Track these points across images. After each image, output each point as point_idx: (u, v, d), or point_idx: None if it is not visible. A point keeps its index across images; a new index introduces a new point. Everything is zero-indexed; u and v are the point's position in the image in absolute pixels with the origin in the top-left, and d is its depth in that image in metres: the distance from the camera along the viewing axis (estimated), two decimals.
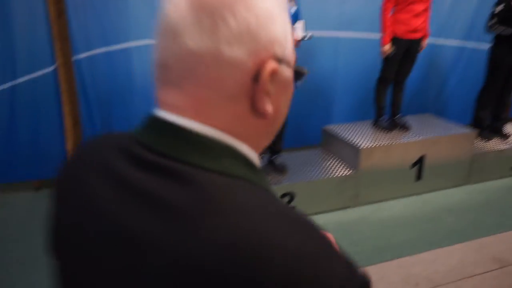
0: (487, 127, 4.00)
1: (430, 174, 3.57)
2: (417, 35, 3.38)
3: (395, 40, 3.38)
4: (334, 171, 3.34)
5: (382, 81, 3.61)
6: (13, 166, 3.36)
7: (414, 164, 3.54)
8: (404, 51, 3.45)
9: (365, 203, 3.41)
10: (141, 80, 3.49)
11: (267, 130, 0.52)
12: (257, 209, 0.42)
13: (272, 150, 3.30)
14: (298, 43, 2.78)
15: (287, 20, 0.49)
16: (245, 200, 0.43)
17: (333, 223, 3.13)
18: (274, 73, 0.47)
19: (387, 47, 3.36)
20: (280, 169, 3.24)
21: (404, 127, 3.70)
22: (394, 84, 3.67)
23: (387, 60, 3.48)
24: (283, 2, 0.49)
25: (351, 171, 3.36)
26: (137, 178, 0.45)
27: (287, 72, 0.50)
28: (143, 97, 3.51)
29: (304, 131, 4.06)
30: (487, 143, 3.90)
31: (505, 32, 3.60)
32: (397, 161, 3.48)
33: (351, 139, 3.49)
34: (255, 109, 0.48)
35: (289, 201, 3.14)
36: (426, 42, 3.53)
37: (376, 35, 3.83)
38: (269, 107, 0.48)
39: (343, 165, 3.46)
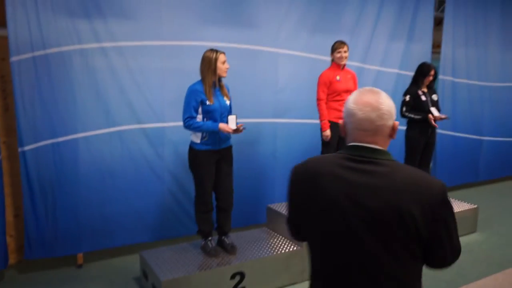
0: None
1: None
2: None
3: (330, 125, 3.82)
4: (280, 248, 3.48)
5: None
6: None
7: None
8: (339, 134, 3.86)
9: None
10: (86, 169, 3.54)
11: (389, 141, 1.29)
12: (405, 167, 1.20)
13: (221, 231, 3.40)
14: (234, 132, 3.06)
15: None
16: (401, 166, 1.20)
17: None
18: (396, 125, 1.24)
19: (328, 132, 3.78)
20: (230, 249, 3.32)
21: None
22: None
23: (327, 143, 3.85)
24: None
25: (296, 247, 3.51)
26: (352, 170, 1.20)
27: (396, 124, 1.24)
28: (88, 187, 3.55)
29: (249, 210, 4.22)
30: None
31: (416, 117, 4.20)
32: None
33: None
34: (391, 136, 1.25)
35: (240, 281, 3.18)
36: None
37: (310, 121, 4.26)
38: (395, 135, 1.25)
39: (288, 242, 3.61)
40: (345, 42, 3.83)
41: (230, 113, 3.26)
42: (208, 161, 3.13)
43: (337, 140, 3.87)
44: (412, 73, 4.42)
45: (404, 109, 4.25)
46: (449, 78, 5.68)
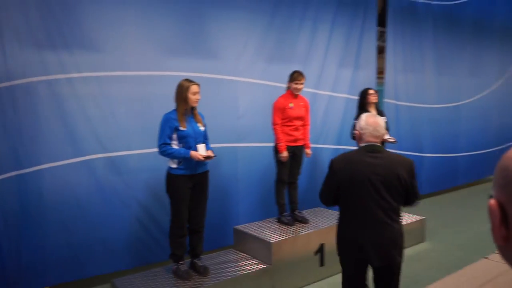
0: None
1: (331, 259, 4.02)
2: (298, 143, 4.11)
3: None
4: (250, 267, 3.60)
5: (279, 182, 4.14)
6: None
7: (316, 252, 3.98)
8: (292, 156, 4.10)
9: None
10: (52, 200, 3.49)
11: None
12: (392, 154, 2.40)
13: (194, 253, 3.47)
14: (205, 159, 3.20)
15: None
16: (390, 152, 2.41)
17: None
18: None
19: (285, 154, 3.97)
20: (202, 271, 3.40)
21: (304, 220, 4.20)
22: (289, 184, 4.22)
23: (281, 163, 4.06)
24: None
25: (265, 265, 3.65)
26: (370, 157, 2.34)
27: None
28: (54, 217, 3.50)
29: (216, 233, 4.30)
30: None
31: None
32: (303, 250, 3.89)
33: (262, 235, 3.84)
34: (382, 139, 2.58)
35: None
36: (309, 150, 4.23)
37: (268, 144, 4.46)
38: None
39: (257, 261, 3.74)
40: (303, 74, 4.06)
41: (206, 139, 3.39)
42: (184, 185, 3.23)
43: (290, 160, 4.08)
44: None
45: (355, 130, 4.55)
46: (393, 101, 6.17)
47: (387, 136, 4.58)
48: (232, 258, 3.82)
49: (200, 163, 3.25)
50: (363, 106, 4.58)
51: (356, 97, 4.83)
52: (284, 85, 4.24)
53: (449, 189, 7.39)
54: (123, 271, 3.82)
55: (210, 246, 4.17)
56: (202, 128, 3.33)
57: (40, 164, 3.44)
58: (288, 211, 4.28)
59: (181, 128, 3.18)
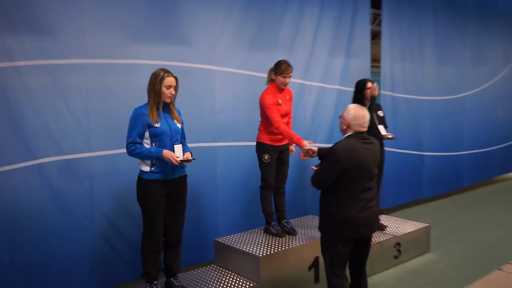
0: None
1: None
2: (284, 142, 4.11)
3: (268, 147, 4.03)
4: (235, 285, 3.55)
5: (265, 187, 4.12)
6: None
7: (311, 266, 3.98)
8: (278, 157, 4.10)
9: None
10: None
11: None
12: (376, 140, 3.30)
13: (170, 271, 3.41)
14: (181, 163, 3.14)
15: None
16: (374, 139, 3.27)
17: None
18: None
19: (306, 143, 3.75)
20: None
21: (292, 232, 4.20)
22: (275, 190, 4.20)
23: (267, 166, 4.04)
24: None
25: (252, 282, 3.61)
26: (365, 143, 3.05)
27: None
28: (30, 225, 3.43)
29: (194, 246, 4.25)
30: None
31: None
32: (295, 265, 3.88)
33: (247, 248, 3.81)
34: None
35: None
36: (292, 147, 4.25)
37: (250, 143, 4.43)
38: None
39: (243, 278, 3.70)
40: (291, 65, 4.01)
41: (183, 138, 3.33)
42: (159, 192, 3.15)
43: (275, 161, 4.07)
44: (352, 89, 4.77)
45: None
46: (389, 93, 6.26)
47: (384, 132, 4.62)
48: (214, 276, 3.77)
49: (177, 166, 3.18)
50: (360, 100, 4.57)
51: (349, 89, 4.87)
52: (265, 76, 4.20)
53: (453, 192, 7.54)
54: None
55: (188, 262, 4.11)
56: (179, 125, 3.28)
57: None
58: (275, 220, 4.27)
59: (155, 125, 3.11)
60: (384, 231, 4.77)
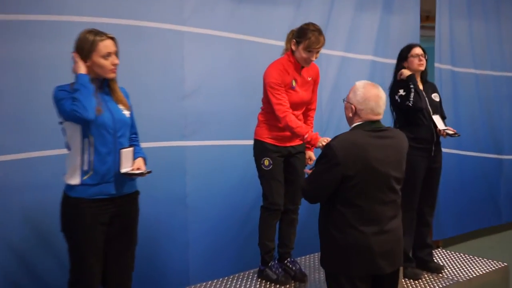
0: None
1: None
2: (295, 142, 4.08)
3: (269, 149, 3.99)
4: None
5: (268, 210, 4.06)
6: None
7: None
8: (286, 164, 4.08)
9: None
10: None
11: None
12: (397, 130, 3.77)
13: None
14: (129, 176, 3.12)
15: None
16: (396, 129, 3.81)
17: None
18: None
19: (324, 141, 3.75)
20: None
21: (300, 276, 4.13)
22: (284, 214, 4.15)
23: (272, 178, 3.98)
24: None
25: None
26: (376, 137, 2.99)
27: None
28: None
29: None
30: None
31: None
32: None
33: None
34: None
35: None
36: (312, 153, 4.27)
37: (239, 142, 4.36)
38: None
39: None
40: (323, 33, 3.95)
41: (134, 133, 3.31)
42: (95, 218, 3.04)
43: (282, 170, 4.04)
44: (393, 61, 4.66)
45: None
46: (447, 66, 6.16)
47: (442, 126, 4.45)
48: None
49: (124, 178, 3.11)
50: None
51: (389, 60, 4.74)
52: (264, 41, 4.10)
53: None
54: None
55: None
56: (126, 113, 3.19)
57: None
58: (275, 259, 4.22)
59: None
60: (441, 274, 4.63)
